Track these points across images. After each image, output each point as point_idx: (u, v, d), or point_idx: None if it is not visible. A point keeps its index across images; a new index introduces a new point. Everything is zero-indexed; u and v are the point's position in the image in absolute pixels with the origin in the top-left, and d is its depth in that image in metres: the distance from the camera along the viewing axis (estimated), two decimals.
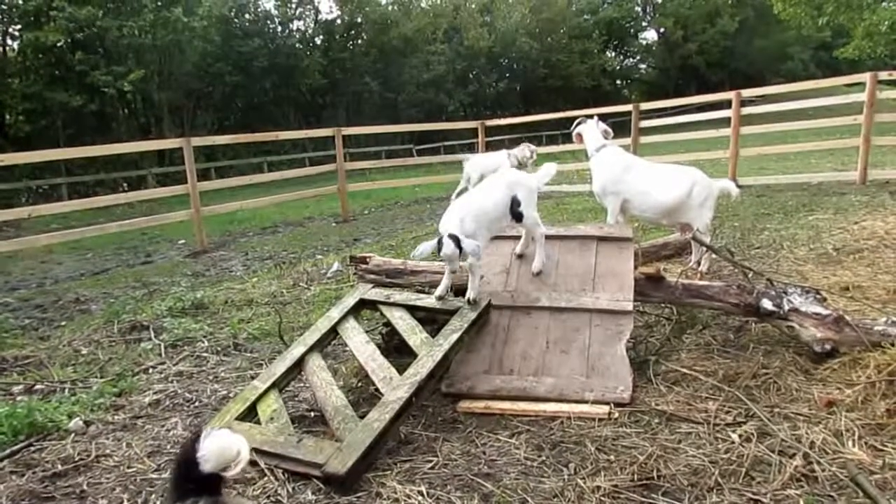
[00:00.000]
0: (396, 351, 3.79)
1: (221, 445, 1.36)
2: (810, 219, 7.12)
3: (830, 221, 6.85)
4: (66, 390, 4.00)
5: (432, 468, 2.75)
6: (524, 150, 11.30)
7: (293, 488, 2.66)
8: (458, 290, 4.18)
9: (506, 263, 4.09)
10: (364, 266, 4.45)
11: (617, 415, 3.05)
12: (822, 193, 8.95)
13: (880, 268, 4.98)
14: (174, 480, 1.51)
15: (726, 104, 11.09)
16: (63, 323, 5.99)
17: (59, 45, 23.69)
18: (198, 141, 11.27)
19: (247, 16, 31.52)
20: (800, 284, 3.82)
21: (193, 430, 3.30)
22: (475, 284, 3.68)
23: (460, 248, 3.42)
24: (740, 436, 2.75)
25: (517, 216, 3.91)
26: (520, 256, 4.08)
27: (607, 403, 3.11)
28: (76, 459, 3.07)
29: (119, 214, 14.06)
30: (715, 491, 2.40)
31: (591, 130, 5.50)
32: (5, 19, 25.04)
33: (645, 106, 12.61)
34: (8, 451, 3.16)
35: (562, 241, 4.11)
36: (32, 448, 3.22)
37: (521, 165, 10.69)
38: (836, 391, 3.05)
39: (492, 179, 4.08)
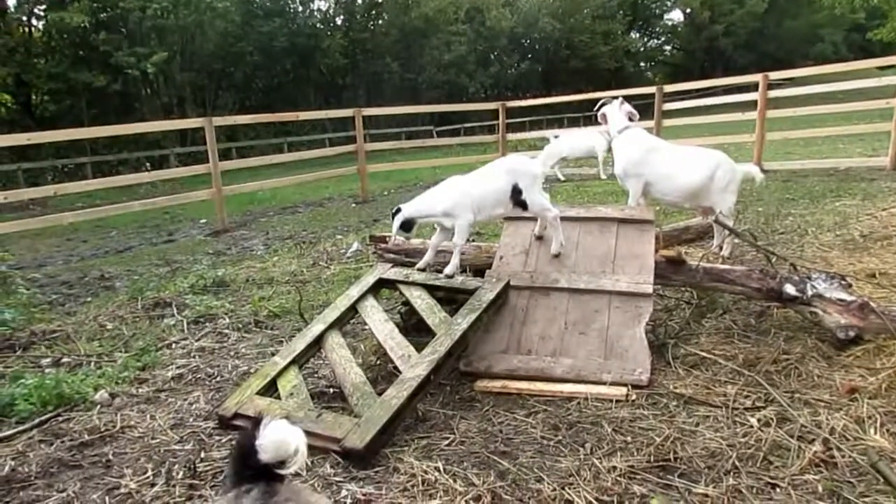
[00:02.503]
0: (415, 330, 3.81)
1: (279, 438, 1.35)
2: (837, 205, 7.00)
3: (858, 207, 6.73)
4: (92, 363, 4.09)
5: (449, 445, 2.77)
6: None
7: (312, 462, 2.70)
8: (478, 271, 4.21)
9: (525, 244, 4.07)
10: (383, 245, 4.47)
11: (634, 397, 3.05)
12: (850, 179, 8.78)
13: None
14: (233, 467, 1.50)
15: (753, 87, 10.88)
16: (89, 299, 6.10)
17: (82, 25, 23.89)
18: (219, 120, 11.32)
19: None
20: (824, 270, 3.76)
21: (214, 403, 3.36)
22: (454, 262, 3.85)
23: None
24: (759, 420, 2.73)
25: (521, 204, 3.88)
26: (539, 238, 4.06)
27: (625, 385, 3.11)
28: (102, 430, 3.14)
29: (142, 193, 14.21)
30: (732, 474, 2.40)
31: (614, 112, 5.43)
32: (31, 1, 25.27)
33: (669, 88, 12.41)
34: (37, 421, 3.25)
35: (582, 223, 4.08)
36: (60, 418, 3.31)
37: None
38: (859, 378, 3.01)
39: (492, 164, 4.05)
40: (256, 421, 1.42)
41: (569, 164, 12.49)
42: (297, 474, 2.59)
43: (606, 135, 9.96)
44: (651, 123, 11.29)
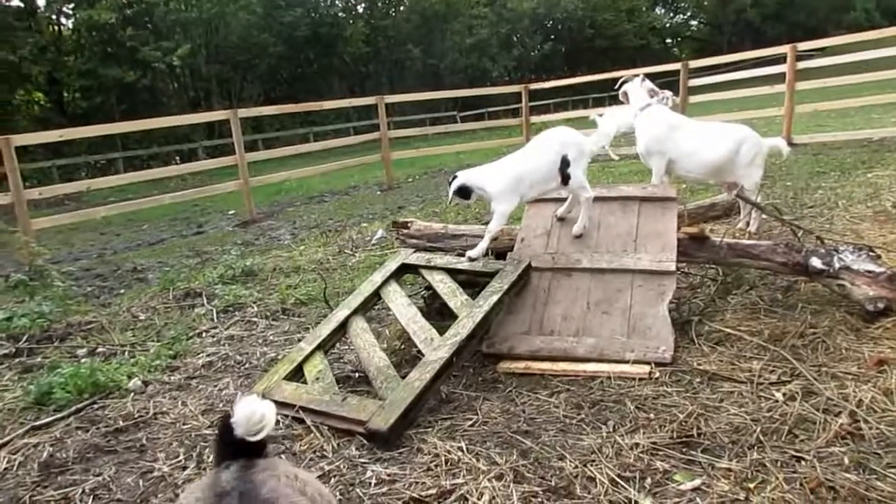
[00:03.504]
0: (438, 314, 3.84)
1: (249, 410, 1.42)
2: (869, 176, 6.82)
3: (891, 178, 6.54)
4: (126, 353, 4.21)
5: (472, 426, 2.80)
6: (664, 99, 10.23)
7: (338, 444, 2.75)
8: (500, 253, 4.21)
9: (547, 226, 4.07)
10: (405, 231, 4.50)
11: (658, 374, 3.04)
12: (884, 150, 8.53)
13: None
14: (216, 447, 1.59)
15: (781, 59, 10.60)
16: (122, 291, 6.26)
17: (110, 22, 24.27)
18: (244, 112, 11.45)
19: None
20: (852, 242, 3.69)
21: (243, 390, 3.44)
22: (482, 246, 3.79)
23: (463, 193, 3.80)
24: (784, 394, 2.70)
25: (565, 178, 3.82)
26: (561, 220, 4.04)
27: (648, 363, 3.10)
28: (136, 416, 3.24)
29: (172, 187, 14.47)
30: (756, 448, 2.38)
31: (636, 89, 5.36)
32: None
33: (694, 64, 12.19)
34: (74, 409, 3.36)
35: (603, 203, 4.05)
36: (96, 406, 3.42)
37: None
38: (889, 350, 2.95)
39: (541, 136, 3.98)
40: (233, 401, 1.49)
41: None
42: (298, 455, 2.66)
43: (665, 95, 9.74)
44: (677, 100, 11.07)
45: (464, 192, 3.81)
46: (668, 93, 9.71)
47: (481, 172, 3.86)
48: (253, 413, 1.43)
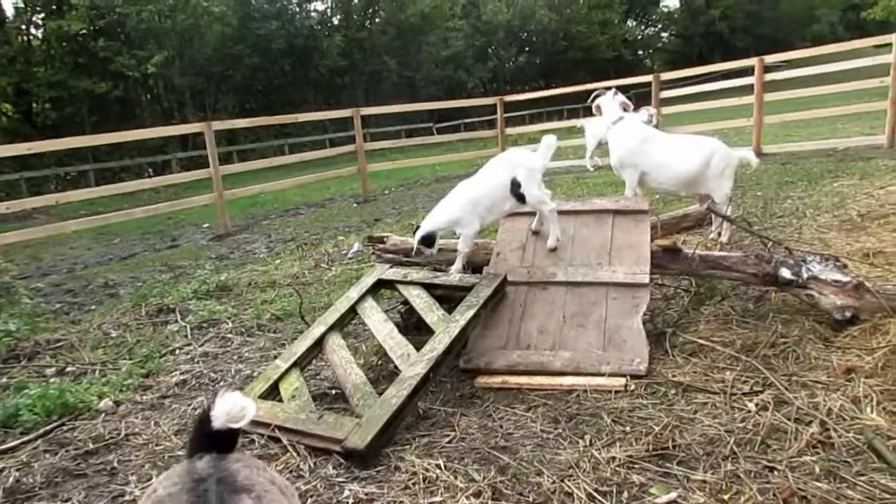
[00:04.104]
0: (416, 329, 3.83)
1: (230, 403, 1.46)
2: (835, 185, 6.99)
3: (856, 187, 6.72)
4: (97, 372, 4.13)
5: (450, 442, 2.79)
6: (643, 113, 9.47)
7: (314, 463, 2.73)
8: (476, 267, 4.23)
9: (522, 239, 4.09)
10: (381, 246, 4.49)
11: (633, 387, 3.06)
12: (848, 159, 8.76)
13: None
14: (190, 440, 1.63)
15: (751, 71, 10.85)
16: (93, 307, 6.15)
17: (81, 32, 23.97)
18: (218, 125, 11.35)
19: None
20: (819, 252, 3.77)
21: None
22: (457, 266, 4.00)
23: (428, 243, 3.93)
24: (757, 405, 2.75)
25: (519, 197, 3.93)
26: (535, 233, 4.08)
27: (624, 376, 3.13)
28: (107, 438, 3.18)
29: (145, 200, 14.28)
30: (730, 459, 2.42)
31: (608, 103, 5.44)
32: (29, 9, 25.35)
33: (666, 76, 12.40)
34: (42, 431, 3.29)
35: (577, 216, 4.10)
36: (65, 427, 3.34)
37: None
38: (856, 358, 3.02)
39: (492, 161, 4.13)
40: (214, 395, 1.52)
41: (569, 156, 12.48)
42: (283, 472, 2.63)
43: (643, 113, 9.51)
44: (659, 116, 11.22)
45: (428, 240, 3.95)
46: (652, 110, 9.68)
47: (437, 212, 4.01)
48: (234, 405, 1.47)
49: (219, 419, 1.45)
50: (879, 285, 3.45)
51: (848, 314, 3.26)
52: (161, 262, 8.13)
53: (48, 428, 3.32)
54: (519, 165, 3.93)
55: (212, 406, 1.48)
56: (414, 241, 4.00)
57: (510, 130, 14.25)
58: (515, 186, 3.90)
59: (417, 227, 4.02)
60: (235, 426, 1.47)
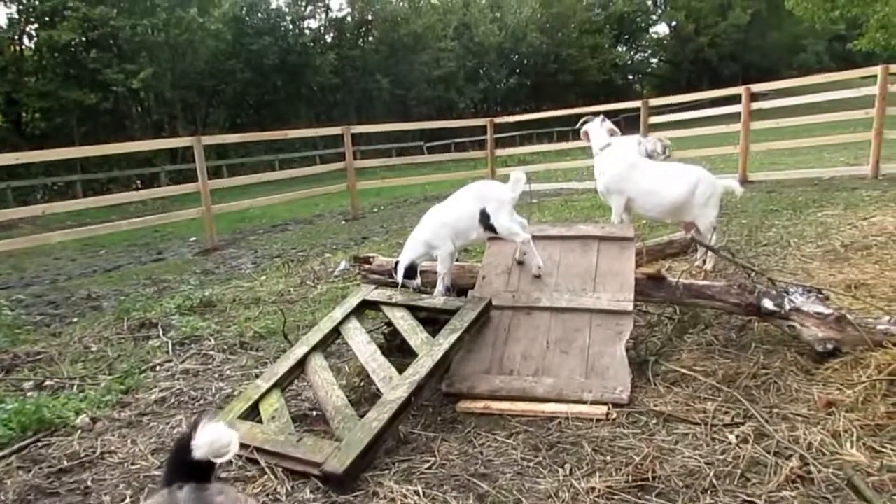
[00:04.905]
0: (399, 351, 3.82)
1: (214, 435, 1.43)
2: (819, 215, 7.07)
3: (840, 217, 6.80)
4: (75, 387, 4.07)
5: (429, 468, 2.77)
6: (655, 142, 9.95)
7: (292, 487, 2.69)
8: (461, 290, 4.23)
9: (508, 263, 4.10)
10: (367, 266, 4.49)
11: (615, 415, 3.06)
12: (833, 188, 8.87)
13: (888, 265, 4.94)
14: (168, 466, 1.60)
15: (737, 99, 11.01)
16: (75, 319, 6.07)
17: (73, 43, 23.99)
18: (208, 140, 11.36)
19: (258, 14, 31.59)
20: (801, 283, 3.80)
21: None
22: (440, 288, 4.09)
23: (410, 275, 4.01)
24: (737, 437, 2.74)
25: (490, 228, 3.96)
26: (520, 263, 4.07)
27: (605, 404, 3.12)
28: (82, 456, 3.12)
29: (132, 212, 14.20)
30: (709, 492, 2.40)
31: (596, 129, 5.49)
32: (22, 19, 25.35)
33: (654, 102, 12.53)
34: (16, 447, 3.23)
35: (563, 241, 4.11)
36: (40, 444, 3.29)
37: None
38: (837, 391, 3.03)
39: (462, 190, 4.16)
40: (195, 423, 1.49)
41: (557, 178, 12.56)
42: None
43: (642, 148, 9.53)
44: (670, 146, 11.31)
45: (410, 272, 4.03)
46: (667, 141, 9.55)
47: (410, 241, 4.13)
48: (218, 437, 1.44)
49: (200, 449, 1.42)
50: (861, 318, 3.48)
51: (829, 346, 3.27)
52: (146, 275, 8.06)
53: (23, 444, 3.26)
54: (488, 198, 3.96)
55: (193, 434, 1.44)
56: (398, 278, 4.04)
57: (500, 151, 14.33)
58: (485, 217, 3.94)
59: (397, 263, 4.09)
60: (217, 460, 1.44)
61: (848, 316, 3.37)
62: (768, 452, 2.60)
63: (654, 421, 2.98)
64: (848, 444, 2.60)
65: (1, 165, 15.63)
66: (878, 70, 9.54)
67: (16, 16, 25.14)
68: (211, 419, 1.54)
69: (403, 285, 4.03)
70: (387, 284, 4.26)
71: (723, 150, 11.35)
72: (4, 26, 25.02)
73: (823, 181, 9.67)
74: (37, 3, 24.40)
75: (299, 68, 31.30)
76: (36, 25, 25.33)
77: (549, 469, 2.67)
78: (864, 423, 2.73)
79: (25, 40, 26.05)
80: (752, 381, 3.23)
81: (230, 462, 2.89)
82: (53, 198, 19.85)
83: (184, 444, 1.46)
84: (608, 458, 2.70)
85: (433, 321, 3.77)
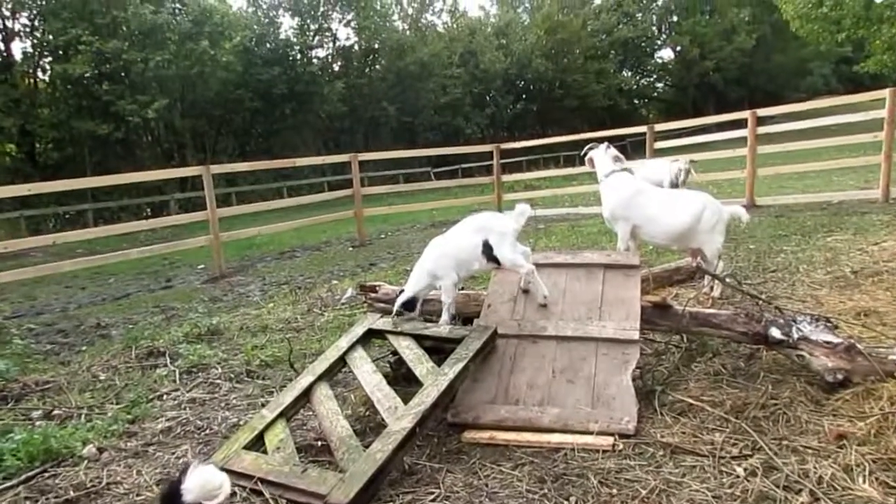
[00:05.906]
0: (405, 380, 3.81)
1: (204, 479, 1.42)
2: (829, 240, 7.04)
3: (849, 242, 6.76)
4: (83, 416, 4.08)
5: (434, 500, 2.74)
6: (679, 166, 9.28)
7: None
8: (467, 318, 4.22)
9: (513, 291, 4.09)
10: (373, 295, 4.49)
11: (621, 446, 3.02)
12: (842, 213, 8.84)
13: None
14: None
15: (744, 123, 11.04)
16: (84, 348, 6.11)
17: (86, 76, 24.43)
18: (217, 169, 11.47)
19: (267, 45, 32.10)
20: (809, 312, 3.77)
21: (202, 458, 3.34)
22: (444, 318, 4.02)
23: (409, 308, 4.01)
24: (745, 469, 2.70)
25: (493, 259, 3.93)
26: (525, 292, 4.06)
27: (612, 435, 3.09)
28: (88, 486, 3.12)
29: (142, 240, 14.31)
30: None
31: (601, 156, 5.51)
32: (36, 53, 25.91)
33: (660, 127, 12.59)
34: (23, 477, 3.23)
35: (569, 269, 4.11)
36: (47, 474, 3.29)
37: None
38: (848, 423, 2.98)
39: (464, 221, 4.13)
40: (184, 468, 1.48)
41: (567, 203, 12.58)
42: None
43: (671, 174, 8.93)
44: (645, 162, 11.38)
45: (410, 305, 4.03)
46: (688, 164, 9.19)
47: (413, 275, 4.10)
48: (208, 481, 1.43)
49: (191, 493, 1.41)
50: (872, 347, 3.44)
51: (839, 376, 3.22)
52: (154, 303, 8.11)
53: (30, 474, 3.27)
54: (490, 230, 3.94)
55: (182, 479, 1.43)
56: (396, 304, 4.03)
57: (507, 177, 14.41)
58: (487, 249, 3.91)
59: (401, 292, 4.10)
60: (209, 503, 1.43)
61: (858, 345, 3.33)
62: (777, 486, 2.56)
63: (661, 452, 2.94)
64: (860, 479, 2.54)
65: (15, 196, 15.84)
66: (886, 93, 9.54)
67: (30, 50, 25.74)
68: (200, 462, 1.53)
69: (399, 313, 4.01)
70: (391, 313, 4.26)
71: (730, 174, 11.36)
72: (19, 60, 25.58)
73: (832, 205, 9.64)
74: (50, 37, 24.97)
75: (307, 97, 31.72)
76: (50, 59, 25.89)
77: (555, 502, 2.64)
78: (877, 457, 2.67)
79: (39, 73, 26.64)
80: (760, 412, 3.18)
81: (234, 493, 2.88)
82: (65, 226, 20.12)
83: (174, 490, 1.44)
84: (614, 490, 2.67)
85: (439, 350, 3.77)
